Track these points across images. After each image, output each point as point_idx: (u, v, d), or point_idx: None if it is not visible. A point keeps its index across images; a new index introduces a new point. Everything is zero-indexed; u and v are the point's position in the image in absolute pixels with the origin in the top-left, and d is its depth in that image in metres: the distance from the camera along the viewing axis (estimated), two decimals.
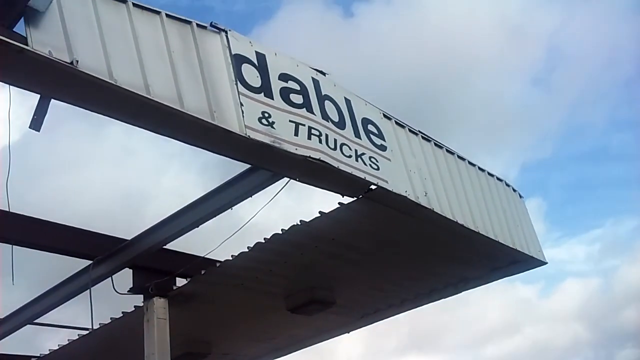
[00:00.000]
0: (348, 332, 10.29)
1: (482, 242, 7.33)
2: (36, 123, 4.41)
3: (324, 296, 8.24)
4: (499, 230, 7.52)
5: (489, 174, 7.81)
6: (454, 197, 6.87)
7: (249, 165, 6.06)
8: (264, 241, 6.93)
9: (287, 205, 7.96)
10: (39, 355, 9.85)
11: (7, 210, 5.44)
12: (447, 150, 7.16)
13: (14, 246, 6.14)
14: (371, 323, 9.96)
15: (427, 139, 6.93)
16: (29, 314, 8.60)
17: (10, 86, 4.33)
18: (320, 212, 6.47)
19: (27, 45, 3.86)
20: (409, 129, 6.73)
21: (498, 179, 8.00)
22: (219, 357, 10.28)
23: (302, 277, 7.91)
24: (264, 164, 5.71)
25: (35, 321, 8.89)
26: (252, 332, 9.71)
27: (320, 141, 5.54)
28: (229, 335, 9.66)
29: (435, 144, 7.01)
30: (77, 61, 4.04)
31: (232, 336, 9.79)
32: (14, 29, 4.01)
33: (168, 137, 5.17)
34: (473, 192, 7.28)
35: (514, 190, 8.42)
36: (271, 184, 6.21)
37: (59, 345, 9.43)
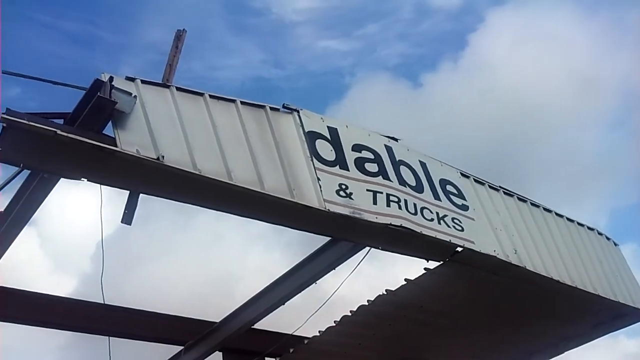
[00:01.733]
0: None
1: (581, 297, 6.88)
2: (127, 217, 4.59)
3: None
4: (598, 283, 7.05)
5: (578, 223, 7.43)
6: (545, 252, 6.55)
7: (329, 239, 6.06)
8: (350, 314, 6.80)
9: (371, 275, 7.85)
10: None
11: (103, 302, 5.63)
12: (532, 204, 6.90)
13: (110, 337, 6.30)
14: None
15: (509, 193, 6.72)
16: None
17: (102, 185, 4.57)
18: (405, 280, 6.31)
19: (116, 146, 4.09)
20: (489, 186, 6.56)
21: (589, 228, 7.60)
22: None
23: (393, 348, 7.64)
24: (345, 235, 5.68)
25: None
26: None
27: (399, 207, 5.48)
28: None
29: (519, 198, 6.78)
30: (163, 157, 4.23)
31: None
32: (103, 132, 4.28)
33: (250, 218, 5.26)
34: (565, 244, 6.92)
35: (608, 239, 7.95)
36: (353, 255, 6.15)
37: None
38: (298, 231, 5.61)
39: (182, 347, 7.37)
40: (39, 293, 6.70)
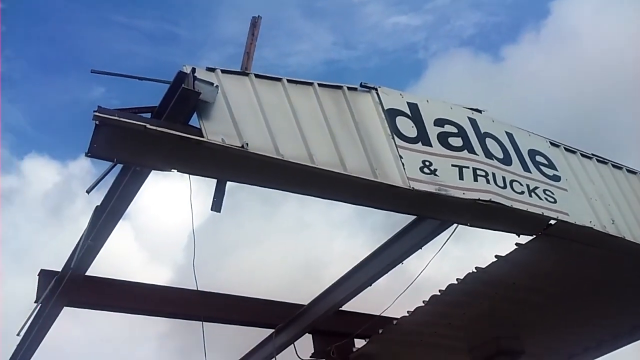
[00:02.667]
0: None
1: None
2: (217, 205, 4.69)
3: (511, 346, 7.66)
4: None
5: None
6: None
7: (415, 218, 5.96)
8: (439, 293, 6.68)
9: (457, 256, 7.71)
10: None
11: (197, 289, 5.81)
12: (628, 171, 6.50)
13: (204, 322, 6.52)
14: None
15: (603, 161, 6.35)
16: None
17: (190, 175, 4.69)
18: (496, 256, 6.11)
19: (202, 136, 4.17)
20: (581, 154, 6.23)
21: None
22: None
23: (485, 327, 7.45)
24: (431, 213, 5.57)
25: None
26: None
27: (487, 181, 5.30)
28: None
29: (614, 165, 6.40)
30: (247, 144, 4.28)
31: None
32: (189, 123, 4.38)
33: (334, 200, 5.26)
34: None
35: None
36: (440, 233, 6.03)
37: None
38: (382, 216, 5.59)
39: (273, 330, 7.52)
40: (137, 282, 7.03)
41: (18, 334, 6.59)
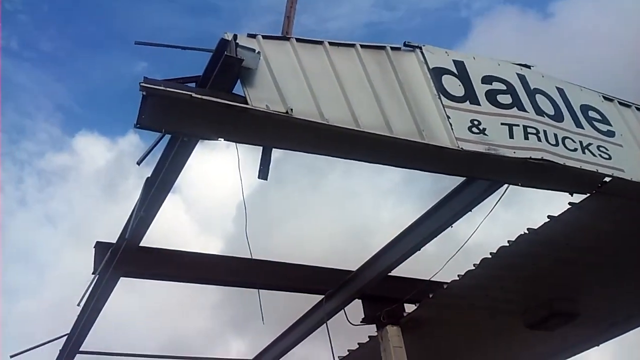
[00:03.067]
0: (597, 345, 9.27)
1: None
2: (263, 173, 4.71)
3: (565, 308, 7.53)
4: None
5: None
6: None
7: (463, 180, 5.86)
8: (490, 256, 6.59)
9: (508, 220, 7.56)
10: None
11: (247, 257, 5.90)
12: None
13: (256, 290, 6.63)
14: (623, 332, 8.86)
15: None
16: (276, 351, 9.18)
17: (237, 143, 4.71)
18: (549, 217, 5.96)
19: (247, 104, 4.17)
20: (636, 107, 5.97)
21: None
22: None
23: (538, 290, 7.34)
24: (481, 174, 5.45)
25: (281, 358, 9.44)
26: (490, 353, 9.23)
27: (539, 139, 5.14)
28: (466, 358, 9.31)
29: None
30: (292, 109, 4.26)
31: (471, 359, 9.41)
32: (233, 91, 4.39)
33: (380, 164, 5.20)
34: None
35: None
36: (490, 194, 5.91)
37: None
38: (429, 182, 5.52)
39: (322, 296, 7.60)
40: (191, 252, 7.16)
41: (78, 304, 6.86)
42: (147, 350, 11.21)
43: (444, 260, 6.92)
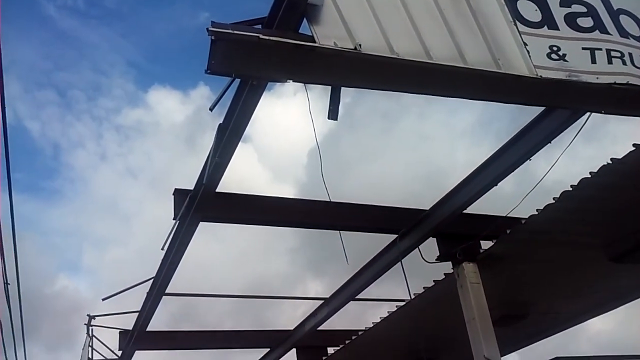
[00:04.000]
0: None
1: None
2: (333, 113, 4.67)
3: None
4: None
5: None
6: None
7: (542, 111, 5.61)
8: (571, 189, 6.34)
9: (588, 156, 7.23)
10: (364, 328, 10.67)
11: (321, 200, 5.95)
12: None
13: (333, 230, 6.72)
14: None
15: None
16: (350, 290, 9.37)
17: (306, 84, 4.67)
18: (634, 145, 5.64)
19: (314, 42, 4.10)
20: None
21: None
22: (538, 316, 9.86)
23: (622, 222, 7.04)
24: (561, 102, 5.19)
25: (356, 297, 9.65)
26: (570, 288, 9.06)
27: (623, 62, 4.80)
28: (545, 293, 9.17)
29: None
30: (360, 45, 4.15)
31: (549, 294, 9.26)
32: (300, 31, 4.31)
33: (454, 97, 5.03)
34: None
35: None
36: (571, 124, 5.65)
37: (380, 317, 10.07)
38: (506, 121, 5.31)
39: (396, 236, 7.62)
40: (267, 196, 7.28)
41: (162, 249, 7.19)
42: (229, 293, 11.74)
43: (520, 198, 6.76)
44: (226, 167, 5.98)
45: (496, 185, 6.55)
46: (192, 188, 6.58)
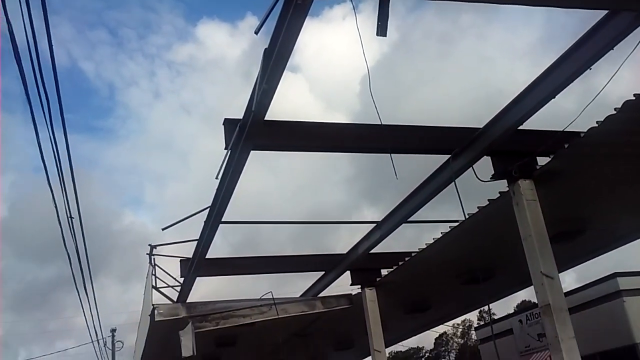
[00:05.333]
0: None
1: None
2: (382, 29, 4.50)
3: None
4: None
5: None
6: None
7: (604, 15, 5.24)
8: (634, 98, 6.03)
9: None
10: (417, 249, 10.76)
11: (380, 124, 5.84)
12: None
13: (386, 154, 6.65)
14: None
15: None
16: (403, 213, 9.36)
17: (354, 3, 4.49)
18: None
19: None
20: None
21: None
22: (595, 232, 9.69)
23: None
24: (627, 4, 4.83)
25: (409, 220, 9.64)
26: (630, 202, 8.81)
27: None
28: (604, 209, 8.96)
29: None
30: None
31: (608, 210, 9.06)
32: None
33: (516, 4, 4.76)
34: None
35: None
36: (634, 30, 5.27)
37: (433, 239, 10.10)
38: (570, 38, 4.95)
39: (449, 156, 7.48)
40: (318, 122, 7.17)
41: (216, 177, 7.30)
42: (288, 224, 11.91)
43: (577, 112, 6.46)
44: (274, 93, 5.90)
45: (554, 97, 6.24)
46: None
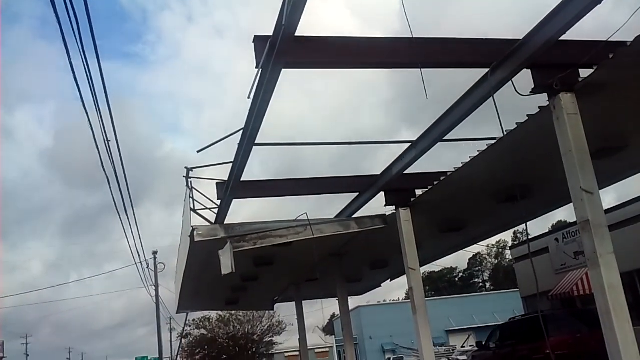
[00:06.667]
0: None
1: None
2: None
3: None
4: None
5: None
6: None
7: None
8: None
9: None
10: (454, 169, 10.64)
11: (411, 37, 5.61)
12: None
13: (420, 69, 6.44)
14: None
15: None
16: (439, 132, 9.19)
17: None
18: None
19: None
20: None
21: None
22: (638, 149, 9.39)
23: None
24: None
25: (445, 139, 9.47)
26: None
27: None
28: None
29: None
30: None
31: None
32: None
33: None
34: None
35: None
36: None
37: (470, 157, 9.95)
38: None
39: (487, 70, 7.21)
40: (351, 37, 6.93)
41: (248, 97, 7.24)
42: (327, 149, 11.82)
43: (625, 23, 6.09)
44: (304, 6, 5.69)
45: (599, 3, 5.87)
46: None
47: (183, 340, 45.80)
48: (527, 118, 8.09)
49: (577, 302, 18.11)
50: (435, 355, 14.57)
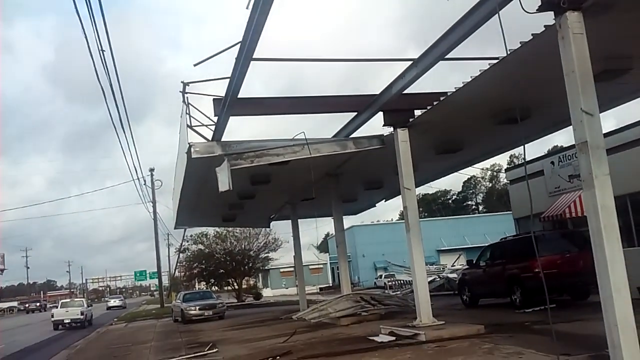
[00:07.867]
0: None
1: None
2: None
3: None
4: None
5: None
6: None
7: None
8: None
9: None
10: (454, 89, 10.50)
11: None
12: None
13: None
14: None
15: None
16: (441, 49, 8.99)
17: None
18: None
19: None
20: None
21: None
22: None
23: None
24: None
25: (446, 57, 9.28)
26: None
27: None
28: None
29: None
30: None
31: None
32: None
33: None
34: None
35: None
36: None
37: (471, 77, 9.79)
38: None
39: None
40: None
41: (247, 8, 7.00)
42: (330, 70, 11.57)
43: None
44: None
45: None
46: None
47: (181, 255, 46.96)
48: (531, 37, 7.90)
49: (569, 224, 18.43)
50: (427, 273, 14.99)
